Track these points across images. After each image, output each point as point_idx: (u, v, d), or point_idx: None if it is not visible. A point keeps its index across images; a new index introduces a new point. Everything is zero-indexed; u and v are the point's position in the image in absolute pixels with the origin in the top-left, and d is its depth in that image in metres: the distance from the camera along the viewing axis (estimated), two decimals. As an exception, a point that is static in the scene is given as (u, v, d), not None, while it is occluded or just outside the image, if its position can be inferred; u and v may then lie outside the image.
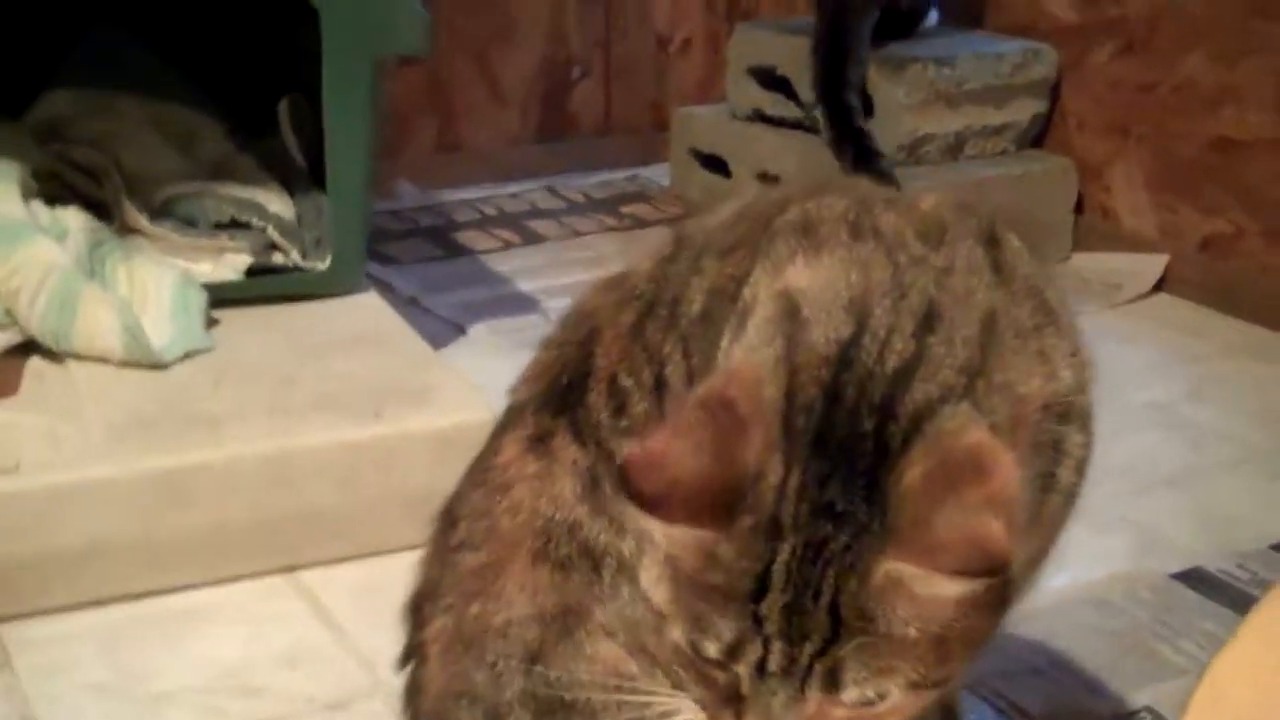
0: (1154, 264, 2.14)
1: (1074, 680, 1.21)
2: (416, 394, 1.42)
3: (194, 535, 1.30)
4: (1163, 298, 2.12)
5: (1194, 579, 1.37)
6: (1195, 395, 1.79)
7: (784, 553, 0.66)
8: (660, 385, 0.81)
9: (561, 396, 0.84)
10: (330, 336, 1.57)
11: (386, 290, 2.02)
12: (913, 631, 0.66)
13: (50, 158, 1.71)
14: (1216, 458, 1.63)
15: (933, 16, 2.30)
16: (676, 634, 0.69)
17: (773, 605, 0.66)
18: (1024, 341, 0.73)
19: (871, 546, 0.65)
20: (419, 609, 0.87)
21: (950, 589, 0.65)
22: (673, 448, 0.67)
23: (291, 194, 1.79)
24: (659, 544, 0.69)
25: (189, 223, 1.69)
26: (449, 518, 0.87)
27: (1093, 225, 2.24)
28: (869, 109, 2.13)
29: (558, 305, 2.02)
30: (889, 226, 0.76)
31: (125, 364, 1.44)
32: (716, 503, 0.66)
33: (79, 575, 1.27)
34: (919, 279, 0.72)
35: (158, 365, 1.45)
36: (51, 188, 1.64)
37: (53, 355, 1.46)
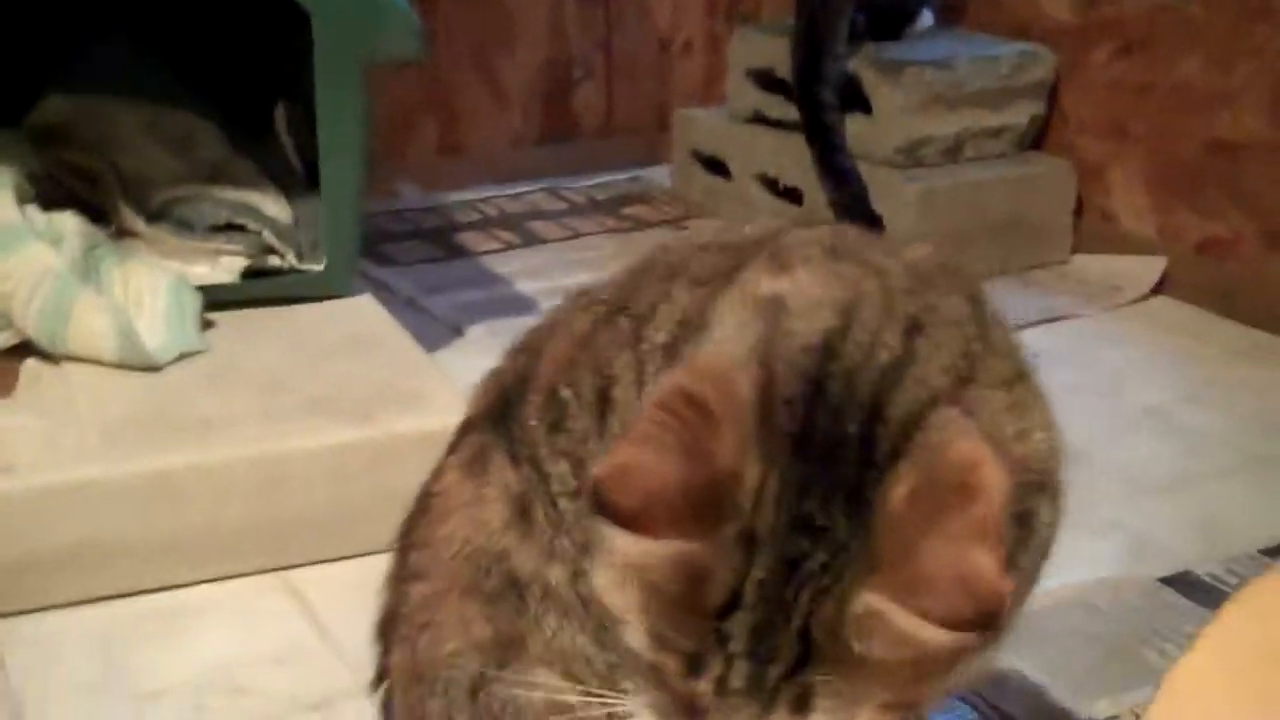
0: (1153, 266, 2.14)
1: (1058, 685, 1.21)
2: (407, 397, 1.43)
3: (186, 535, 1.31)
4: (1161, 300, 2.12)
5: (1183, 584, 1.37)
6: (1191, 399, 1.79)
7: (758, 568, 0.62)
8: (604, 402, 0.77)
9: (501, 412, 0.82)
10: (323, 339, 1.57)
11: (385, 291, 2.03)
12: (890, 660, 0.62)
13: (47, 162, 1.72)
14: (1210, 463, 1.63)
15: (928, 18, 2.30)
16: (634, 641, 0.66)
17: (741, 623, 0.63)
18: (1003, 393, 0.70)
19: (851, 570, 0.62)
20: (384, 635, 0.88)
21: (937, 636, 0.61)
22: (641, 457, 0.62)
23: (288, 197, 1.80)
24: (621, 554, 0.65)
25: (185, 226, 1.70)
26: (403, 544, 0.87)
27: (1092, 227, 2.24)
28: (862, 108, 2.14)
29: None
30: (874, 258, 0.74)
31: (120, 366, 1.45)
32: (698, 511, 0.62)
33: (72, 574, 1.28)
34: (906, 302, 0.70)
35: (152, 367, 1.46)
36: (48, 192, 1.65)
37: (49, 357, 1.47)
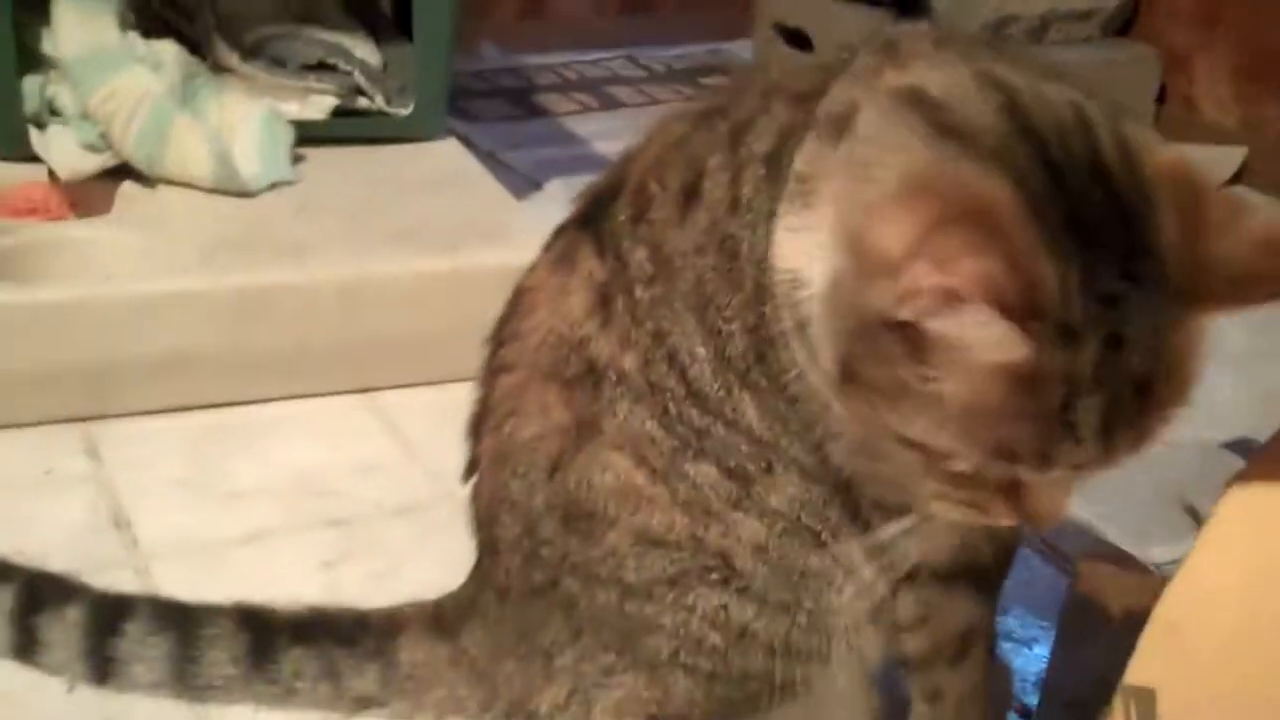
0: (1233, 156, 2.13)
1: (1115, 530, 1.24)
2: (491, 232, 1.47)
3: (274, 351, 1.36)
4: (1240, 190, 2.11)
5: (1242, 448, 1.39)
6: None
7: (1086, 356, 0.62)
8: (689, 195, 0.78)
9: (593, 208, 0.85)
10: (410, 177, 1.61)
11: (466, 144, 2.05)
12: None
13: (147, -7, 1.75)
14: (1276, 342, 1.64)
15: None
16: (948, 463, 0.66)
17: (1087, 409, 0.63)
18: None
19: (1165, 316, 0.64)
20: (476, 427, 0.91)
21: None
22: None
23: (378, 41, 1.83)
24: (950, 397, 0.64)
25: (278, 63, 1.73)
26: (495, 342, 0.89)
27: (1174, 116, 2.23)
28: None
29: (633, 168, 2.05)
30: (977, 46, 0.75)
31: (214, 190, 1.50)
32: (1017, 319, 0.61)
33: (165, 382, 1.33)
34: (1036, 74, 0.69)
35: (245, 193, 1.51)
36: (147, 22, 1.69)
37: (145, 179, 1.52)
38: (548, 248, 0.88)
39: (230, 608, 0.97)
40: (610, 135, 2.17)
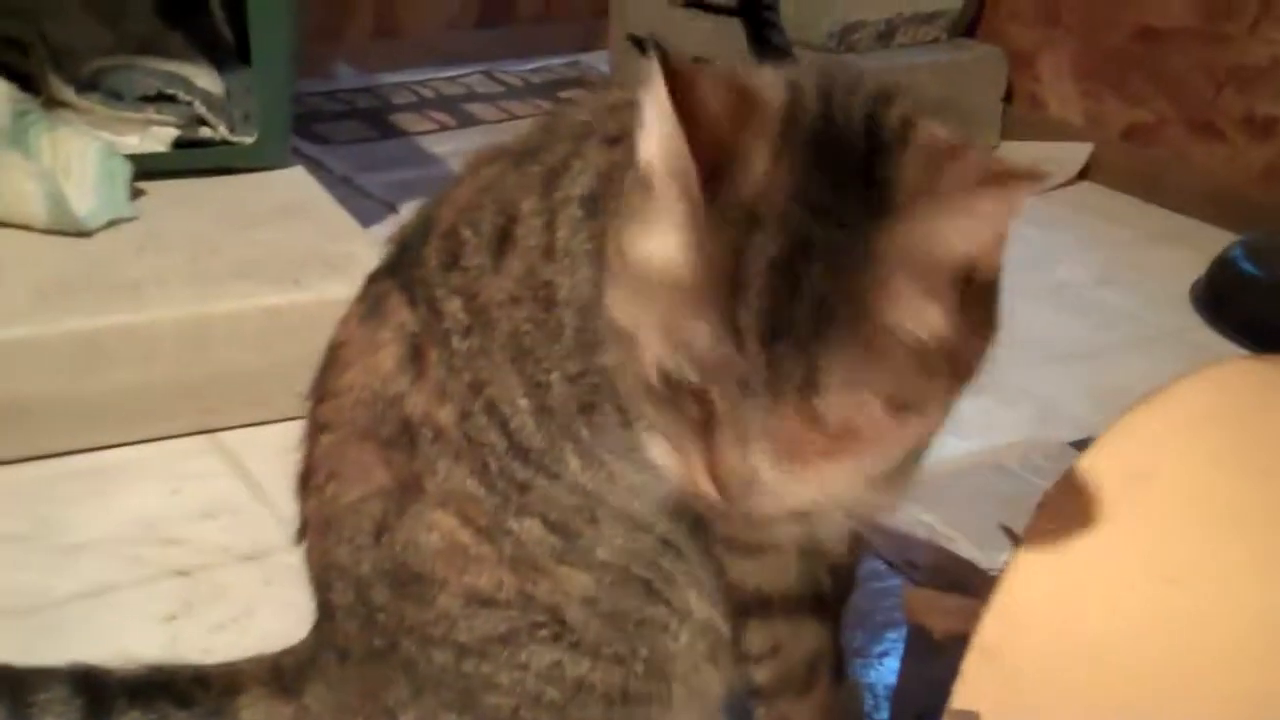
0: (1079, 152, 2.18)
1: (966, 538, 1.26)
2: (336, 262, 1.45)
3: (116, 396, 1.33)
4: (1087, 185, 2.17)
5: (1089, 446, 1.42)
6: (1107, 279, 1.84)
7: (763, 247, 0.62)
8: (503, 240, 0.78)
9: (401, 254, 0.83)
10: (254, 208, 1.58)
11: (320, 169, 2.03)
12: (897, 338, 0.63)
13: (-25, 28, 1.71)
14: (1119, 336, 1.68)
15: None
16: (648, 358, 0.65)
17: (751, 304, 0.62)
18: None
19: (864, 247, 0.62)
20: (302, 486, 0.89)
21: (951, 253, 0.63)
22: (700, 79, 0.63)
23: (220, 69, 1.80)
24: (635, 254, 0.65)
25: (115, 96, 1.69)
26: (314, 397, 0.87)
27: (1021, 114, 2.28)
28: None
29: (490, 186, 2.04)
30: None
31: (49, 231, 1.46)
32: (707, 171, 0.62)
33: (2, 432, 1.30)
34: (852, 75, 0.71)
35: (81, 232, 1.47)
36: (-25, 57, 1.65)
37: (-23, 222, 1.47)
38: (360, 298, 0.87)
39: (64, 670, 0.94)
40: (466, 154, 2.16)
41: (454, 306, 0.79)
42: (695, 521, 0.79)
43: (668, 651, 0.81)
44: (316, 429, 0.85)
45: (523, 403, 0.77)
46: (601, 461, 0.77)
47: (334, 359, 0.85)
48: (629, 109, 0.78)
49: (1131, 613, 0.70)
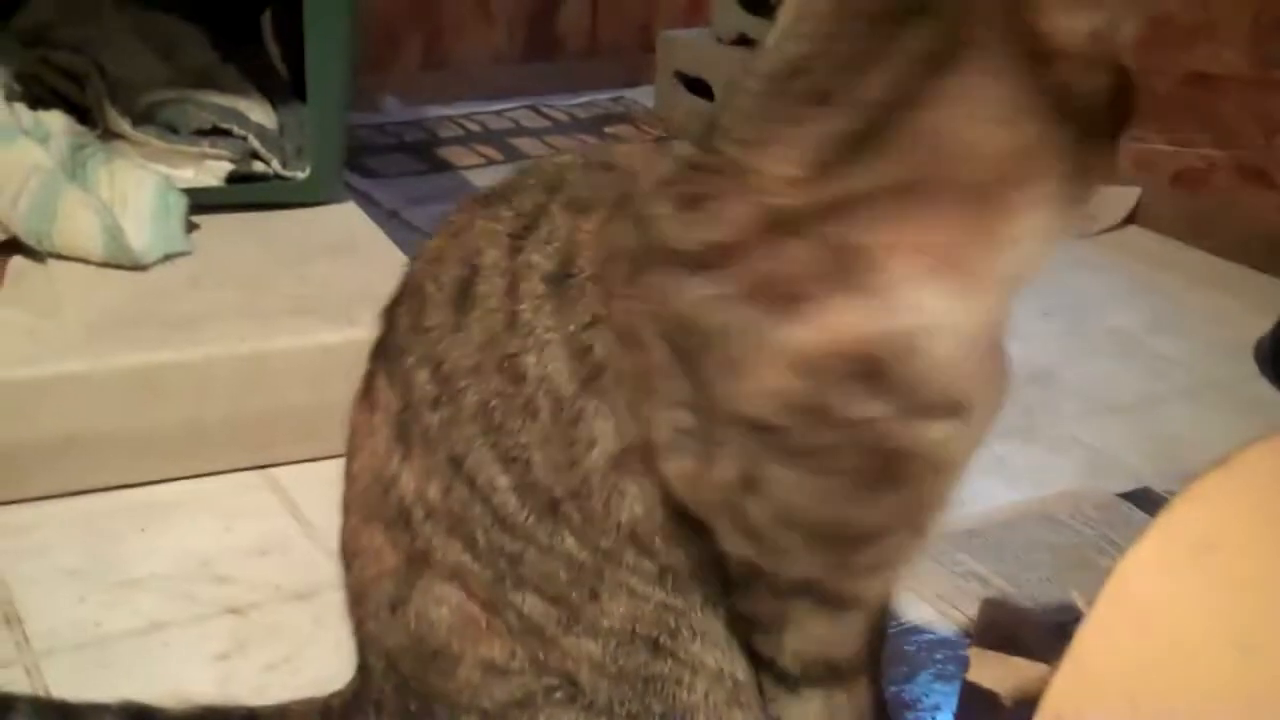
0: (1127, 196, 2.17)
1: (1016, 590, 1.25)
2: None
3: (169, 431, 1.34)
4: (1135, 230, 2.16)
5: (1140, 498, 1.42)
6: (1156, 325, 1.83)
7: None
8: (464, 296, 0.76)
9: (383, 325, 0.83)
10: (307, 243, 1.60)
11: (369, 203, 2.04)
12: None
13: (34, 62, 1.73)
14: (1171, 385, 1.67)
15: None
16: None
17: None
18: None
19: None
20: (340, 557, 0.89)
21: None
22: None
23: (274, 104, 1.81)
24: None
25: (171, 129, 1.71)
26: (345, 478, 0.87)
27: (1068, 157, 2.26)
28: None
29: (537, 222, 2.05)
30: None
31: (105, 264, 1.47)
32: None
33: (54, 467, 1.30)
34: None
35: (137, 266, 1.48)
36: (35, 91, 1.66)
37: (35, 254, 1.49)
38: (362, 379, 0.86)
39: (117, 707, 0.94)
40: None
41: (422, 377, 0.77)
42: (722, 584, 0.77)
43: (685, 703, 0.80)
44: (343, 510, 0.86)
45: (502, 480, 0.76)
46: (596, 545, 0.75)
47: (350, 444, 0.85)
48: (604, 172, 0.78)
49: (1206, 681, 0.69)
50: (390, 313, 0.84)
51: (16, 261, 1.49)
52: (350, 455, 0.85)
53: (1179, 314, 1.88)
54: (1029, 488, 1.41)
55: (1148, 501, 1.41)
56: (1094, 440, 1.53)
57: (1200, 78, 2.07)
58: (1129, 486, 1.44)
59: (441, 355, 0.77)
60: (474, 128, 2.45)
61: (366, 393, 0.83)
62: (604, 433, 0.73)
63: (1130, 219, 2.16)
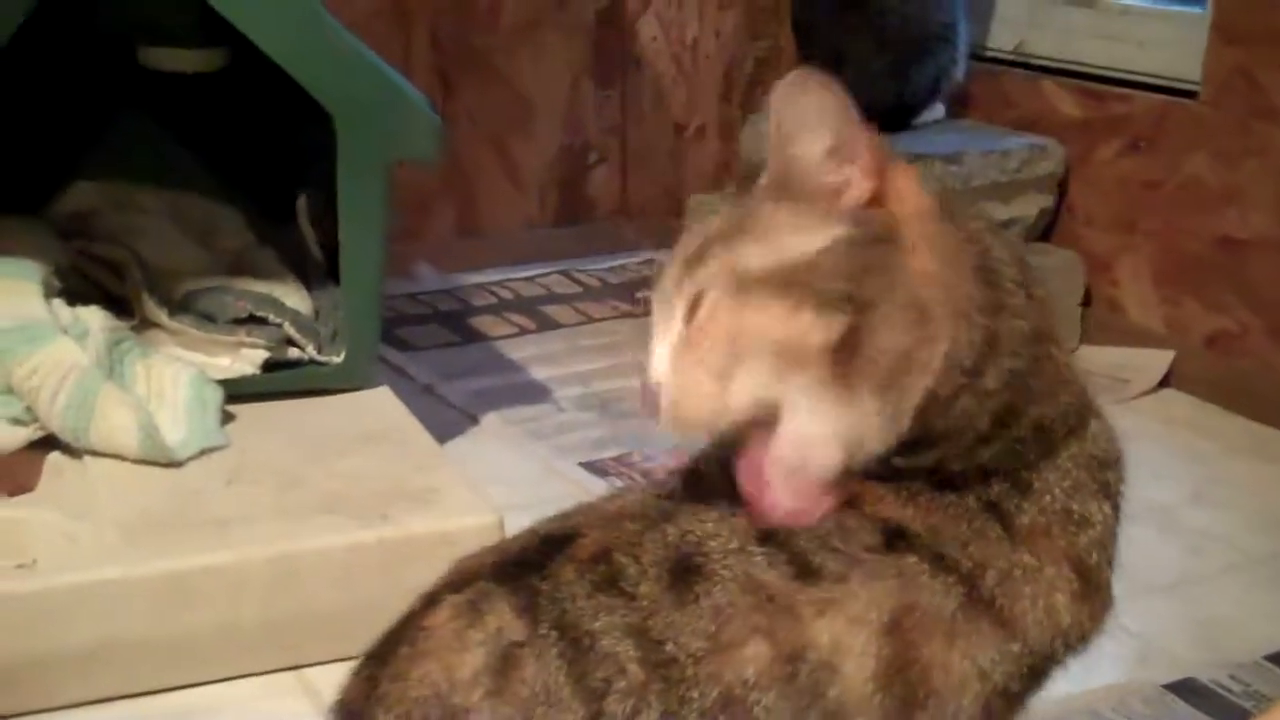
0: (1160, 359, 2.16)
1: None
2: (422, 495, 1.45)
3: (202, 635, 1.33)
4: (1169, 393, 2.14)
5: (1186, 690, 1.39)
6: (1195, 497, 1.81)
7: None
8: (685, 571, 0.74)
9: (515, 564, 0.79)
10: (340, 434, 1.60)
11: (403, 377, 2.06)
12: None
13: (72, 253, 1.76)
14: (1214, 563, 1.64)
15: (939, 109, 2.34)
16: None
17: None
18: None
19: None
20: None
21: None
22: None
23: (308, 286, 1.84)
24: None
25: (208, 318, 1.73)
26: (379, 663, 0.82)
27: (1100, 318, 2.27)
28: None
29: (569, 393, 2.06)
30: None
31: (141, 461, 1.48)
32: None
33: (90, 673, 1.30)
34: None
35: (173, 463, 1.49)
36: (73, 283, 1.69)
37: (72, 450, 1.50)
38: (456, 585, 0.81)
39: None
40: (546, 360, 2.19)
41: (619, 644, 0.73)
42: None
43: None
44: (376, 699, 0.79)
45: None
46: None
47: (413, 636, 0.79)
48: None
49: None
50: (518, 550, 0.81)
51: (53, 458, 1.50)
52: (410, 646, 0.79)
53: (1219, 484, 1.86)
54: (1074, 680, 1.38)
55: (1193, 693, 1.38)
56: (1138, 625, 1.50)
57: (1230, 241, 2.07)
58: (1173, 676, 1.41)
59: (647, 627, 0.73)
60: (506, 295, 2.47)
61: (472, 603, 0.77)
62: None
63: (1164, 382, 2.15)
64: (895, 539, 0.76)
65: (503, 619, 0.76)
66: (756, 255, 0.76)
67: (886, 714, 0.73)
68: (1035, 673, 0.80)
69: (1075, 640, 0.80)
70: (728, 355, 0.74)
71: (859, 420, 0.74)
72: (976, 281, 0.77)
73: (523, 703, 0.73)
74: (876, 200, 0.77)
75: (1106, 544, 0.83)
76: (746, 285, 0.75)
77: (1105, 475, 0.84)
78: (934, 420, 0.76)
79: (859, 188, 0.76)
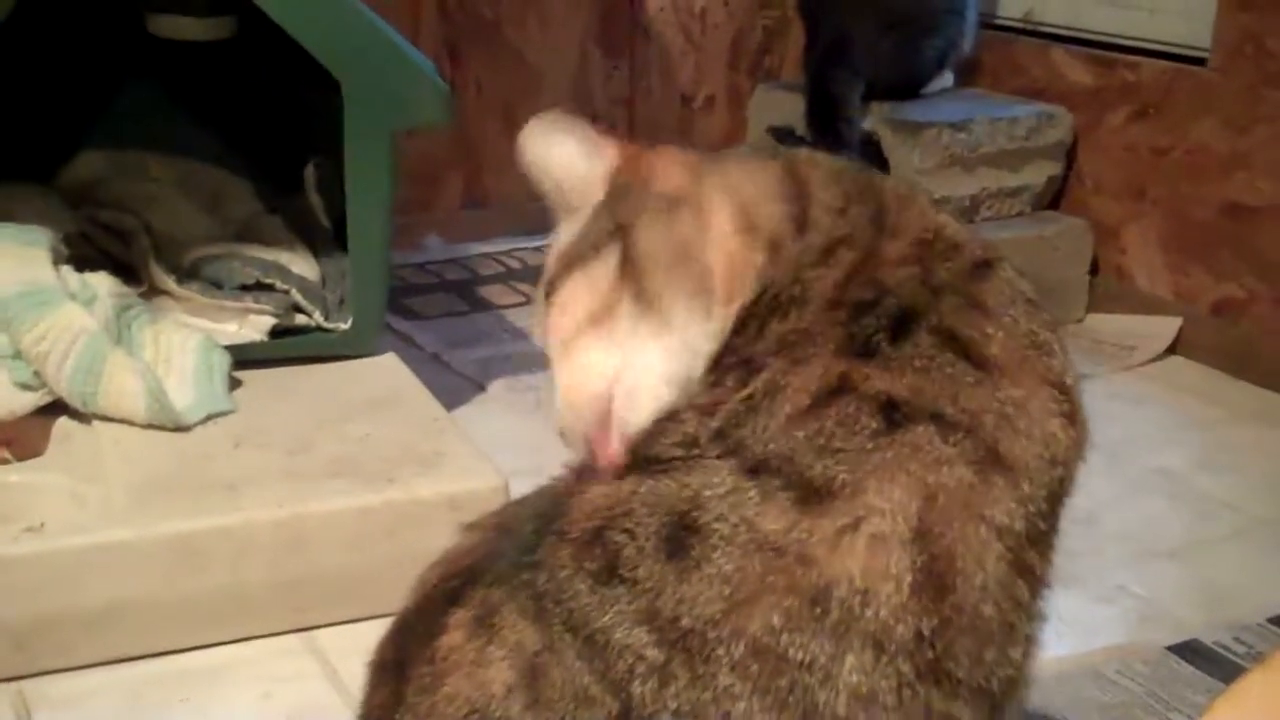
0: (1168, 326, 2.16)
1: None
2: (428, 459, 1.46)
3: (211, 596, 1.34)
4: (1176, 360, 2.14)
5: (1189, 651, 1.39)
6: (1201, 462, 1.81)
7: None
8: (683, 532, 0.71)
9: (511, 563, 0.76)
10: (347, 399, 1.61)
11: (410, 345, 2.07)
12: None
13: (81, 221, 1.76)
14: (1220, 528, 1.65)
15: (948, 78, 2.33)
16: None
17: None
18: None
19: None
20: None
21: None
22: None
23: (316, 254, 1.84)
24: None
25: (215, 285, 1.74)
26: (398, 673, 0.80)
27: (1108, 286, 2.27)
28: (881, 167, 2.17)
29: (576, 362, 2.06)
30: None
31: (149, 426, 1.49)
32: None
33: (99, 634, 1.31)
34: None
35: (180, 427, 1.50)
36: (82, 250, 1.70)
37: (80, 416, 1.51)
38: (459, 598, 0.77)
39: None
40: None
41: (637, 637, 0.70)
42: None
43: None
44: (406, 709, 0.78)
45: None
46: None
47: (431, 656, 0.77)
48: None
49: None
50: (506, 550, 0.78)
51: (62, 423, 1.51)
52: (431, 667, 0.76)
53: (1224, 449, 1.86)
54: (1076, 640, 1.39)
55: (1196, 654, 1.39)
56: (1141, 588, 1.50)
57: (1237, 208, 2.07)
58: (1177, 638, 1.41)
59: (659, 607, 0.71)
60: (514, 264, 2.47)
61: (482, 618, 0.75)
62: None
63: (1171, 349, 2.15)
64: (891, 412, 0.72)
65: (517, 630, 0.74)
66: (555, 259, 0.87)
67: (923, 611, 0.69)
68: (1047, 513, 0.74)
69: (1072, 469, 0.75)
70: (562, 347, 0.82)
71: (683, 340, 0.79)
72: (751, 170, 0.85)
73: (560, 707, 0.72)
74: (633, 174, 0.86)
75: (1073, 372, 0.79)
76: (553, 286, 0.85)
77: (1043, 314, 0.80)
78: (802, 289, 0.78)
79: (609, 160, 0.87)
